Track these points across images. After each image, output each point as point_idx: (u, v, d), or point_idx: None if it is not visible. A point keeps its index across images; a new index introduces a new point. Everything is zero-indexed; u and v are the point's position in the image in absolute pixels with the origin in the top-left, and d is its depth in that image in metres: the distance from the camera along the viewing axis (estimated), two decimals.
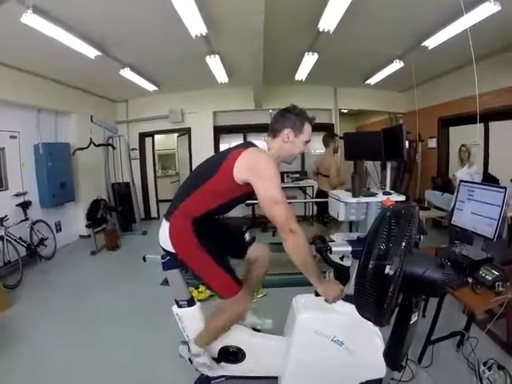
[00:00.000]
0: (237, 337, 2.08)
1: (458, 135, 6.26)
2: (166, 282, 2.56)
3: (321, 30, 3.89)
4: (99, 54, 4.39)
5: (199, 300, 2.13)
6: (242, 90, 7.09)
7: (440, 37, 4.22)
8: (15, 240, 4.52)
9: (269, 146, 1.81)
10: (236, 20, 3.75)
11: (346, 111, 8.99)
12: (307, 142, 1.83)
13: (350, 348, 1.75)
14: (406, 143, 3.89)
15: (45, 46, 3.98)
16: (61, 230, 6.05)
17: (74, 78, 5.80)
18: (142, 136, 8.16)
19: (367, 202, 3.44)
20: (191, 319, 2.03)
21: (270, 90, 6.87)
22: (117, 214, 6.41)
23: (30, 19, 3.24)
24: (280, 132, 1.78)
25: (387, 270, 1.04)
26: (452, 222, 2.45)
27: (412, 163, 7.17)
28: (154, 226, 6.96)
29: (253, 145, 1.76)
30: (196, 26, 3.72)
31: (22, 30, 3.41)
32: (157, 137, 8.64)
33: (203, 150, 7.18)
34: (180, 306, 2.02)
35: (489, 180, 4.93)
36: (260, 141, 1.83)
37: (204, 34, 3.95)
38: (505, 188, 2.01)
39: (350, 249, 1.55)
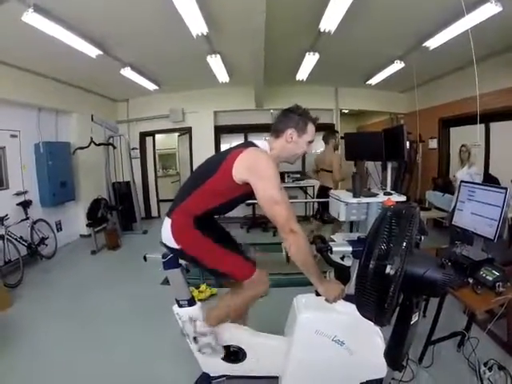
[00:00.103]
0: (238, 336, 2.08)
1: (459, 136, 6.25)
2: (166, 282, 2.56)
3: (322, 30, 3.89)
4: (100, 53, 4.39)
5: (200, 300, 2.13)
6: (243, 90, 7.08)
7: (441, 37, 4.22)
8: (16, 239, 4.53)
9: (271, 145, 1.80)
10: (237, 19, 3.74)
11: (346, 111, 8.99)
12: (310, 142, 1.83)
13: (350, 348, 1.76)
14: (407, 144, 3.89)
15: (45, 44, 3.98)
16: (61, 230, 6.05)
17: (74, 77, 5.80)
18: (143, 135, 8.17)
19: (368, 203, 3.44)
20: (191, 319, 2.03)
21: (270, 90, 6.87)
22: (117, 214, 6.41)
23: (31, 18, 3.25)
24: (283, 132, 1.77)
25: (388, 269, 1.04)
26: (452, 223, 2.45)
27: (413, 164, 7.17)
28: (155, 226, 7.01)
29: (253, 144, 1.76)
30: (197, 25, 3.71)
31: (22, 28, 3.42)
32: (157, 136, 8.64)
33: (204, 150, 7.18)
34: (181, 306, 2.02)
35: (489, 180, 4.92)
36: (261, 141, 1.82)
37: (205, 34, 3.95)
38: (505, 189, 2.01)
39: (350, 249, 1.55)
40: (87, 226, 5.78)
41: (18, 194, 5.05)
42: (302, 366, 1.85)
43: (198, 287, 3.66)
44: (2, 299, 3.58)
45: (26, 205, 4.98)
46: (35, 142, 5.39)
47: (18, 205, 4.90)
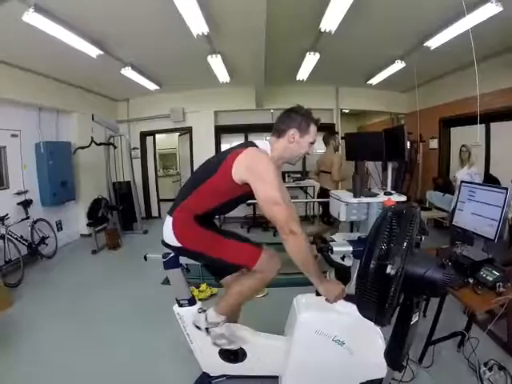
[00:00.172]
0: (238, 337, 2.08)
1: (460, 136, 6.25)
2: (166, 281, 2.56)
3: (322, 30, 3.89)
4: (101, 52, 4.39)
5: (200, 299, 2.13)
6: (244, 90, 7.09)
7: (442, 37, 4.21)
8: (16, 239, 4.54)
9: (272, 146, 1.80)
10: (238, 19, 3.74)
11: (347, 111, 8.98)
12: (312, 143, 1.82)
13: (350, 348, 1.76)
14: (408, 144, 3.89)
15: (46, 44, 3.98)
16: (62, 229, 6.06)
17: (75, 77, 5.81)
18: (144, 135, 8.17)
19: (368, 203, 3.44)
20: (192, 318, 2.04)
21: (271, 90, 6.87)
22: (118, 213, 6.42)
23: (32, 18, 3.25)
24: (285, 132, 1.76)
25: (388, 269, 1.05)
26: (453, 223, 2.46)
27: (413, 164, 7.18)
28: (155, 225, 7.01)
29: (253, 145, 1.76)
30: (198, 25, 3.71)
31: (23, 28, 3.43)
32: (158, 136, 8.64)
33: (204, 150, 7.20)
34: (181, 305, 2.02)
35: (490, 181, 4.92)
36: (261, 141, 1.82)
37: (206, 34, 3.95)
38: (506, 189, 2.02)
39: (350, 249, 1.55)
40: (88, 225, 5.79)
41: (18, 194, 5.05)
42: (302, 365, 1.86)
43: (198, 287, 3.66)
44: (2, 299, 3.58)
45: (26, 204, 4.98)
46: (36, 141, 5.39)
47: (18, 204, 4.91)
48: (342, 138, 5.02)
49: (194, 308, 2.02)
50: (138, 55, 5.01)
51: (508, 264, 2.19)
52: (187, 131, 8.04)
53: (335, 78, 6.97)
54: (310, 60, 5.25)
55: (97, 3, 3.36)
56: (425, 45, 4.51)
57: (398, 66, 5.52)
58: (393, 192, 3.58)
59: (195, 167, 7.15)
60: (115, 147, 6.69)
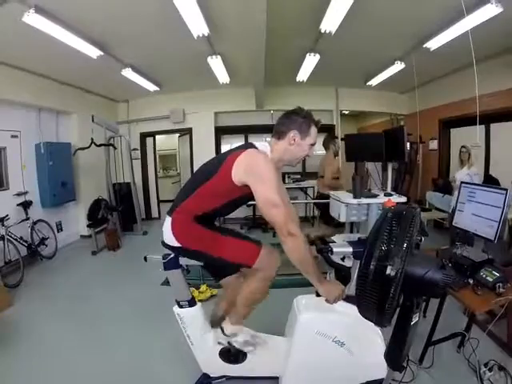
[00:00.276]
0: (238, 337, 2.08)
1: (459, 137, 6.26)
2: (166, 283, 2.56)
3: (322, 30, 3.90)
4: (101, 53, 4.39)
5: (200, 300, 2.13)
6: (244, 91, 7.10)
7: (441, 38, 4.23)
8: (16, 239, 4.53)
9: (272, 147, 1.79)
10: (238, 20, 3.75)
11: (347, 112, 9.00)
12: (313, 144, 1.82)
13: (350, 348, 1.76)
14: (407, 145, 3.90)
15: (46, 45, 3.99)
16: (62, 230, 6.06)
17: (75, 78, 5.81)
18: (143, 136, 8.17)
19: (368, 203, 3.45)
20: (192, 319, 2.04)
21: (271, 91, 6.88)
22: (118, 214, 6.40)
23: (32, 19, 3.26)
24: (286, 134, 1.75)
25: (388, 270, 1.05)
26: (453, 224, 2.46)
27: (413, 165, 7.18)
28: (155, 227, 7.01)
29: (253, 146, 1.75)
30: (198, 26, 3.72)
31: (23, 29, 3.44)
32: (158, 137, 8.64)
33: (204, 151, 7.21)
34: (181, 307, 2.02)
35: (490, 182, 4.93)
36: (261, 142, 1.81)
37: (206, 35, 3.96)
38: (506, 190, 2.02)
39: (350, 250, 1.55)
40: (87, 226, 5.79)
41: (18, 195, 5.04)
42: (302, 366, 1.86)
43: (198, 288, 3.66)
44: (2, 299, 3.58)
45: (26, 205, 4.98)
46: (36, 142, 5.39)
47: (18, 205, 4.90)
48: (341, 139, 5.01)
49: (194, 309, 2.03)
50: (138, 56, 5.02)
51: (508, 265, 2.19)
52: (187, 132, 8.05)
53: (335, 79, 6.98)
54: (310, 61, 5.26)
55: (97, 4, 3.37)
56: (424, 46, 4.52)
57: (398, 67, 5.54)
58: (393, 193, 3.59)
59: (195, 168, 7.16)
60: (115, 148, 6.69)
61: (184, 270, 1.97)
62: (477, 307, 1.86)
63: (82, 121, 6.30)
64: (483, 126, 5.53)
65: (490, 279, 1.89)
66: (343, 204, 3.46)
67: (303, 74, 6.07)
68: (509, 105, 5.00)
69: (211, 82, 6.34)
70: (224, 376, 2.17)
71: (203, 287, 3.68)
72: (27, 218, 4.95)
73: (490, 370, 2.14)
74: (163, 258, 1.91)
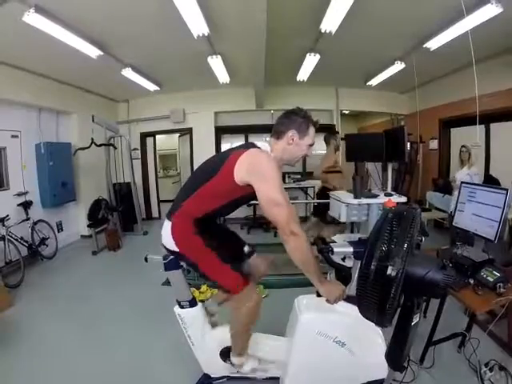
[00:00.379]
0: None
1: (460, 137, 6.26)
2: (167, 283, 2.56)
3: (323, 30, 3.90)
4: (101, 53, 4.39)
5: (201, 301, 2.13)
6: (244, 91, 7.11)
7: (441, 38, 4.23)
8: (16, 240, 4.54)
9: (272, 147, 1.79)
10: (238, 19, 3.75)
11: (347, 112, 8.99)
12: (311, 144, 1.82)
13: (351, 349, 1.76)
14: (408, 145, 3.90)
15: (46, 45, 3.99)
16: (62, 230, 6.06)
17: (75, 78, 5.82)
18: (144, 136, 8.17)
19: (369, 204, 3.45)
20: (193, 320, 2.04)
21: (271, 91, 6.88)
22: (118, 214, 6.40)
23: (32, 18, 3.26)
24: (284, 134, 1.76)
25: (389, 271, 1.05)
26: (453, 224, 2.46)
27: (413, 164, 7.18)
28: (155, 227, 7.01)
29: (254, 146, 1.75)
30: (198, 26, 3.72)
31: (23, 29, 3.44)
32: (158, 137, 8.64)
33: (205, 151, 7.18)
34: (182, 307, 2.02)
35: (490, 181, 4.93)
36: (262, 142, 1.81)
37: (206, 35, 3.96)
38: (506, 190, 2.02)
39: (351, 250, 1.55)
40: (88, 226, 5.79)
41: (18, 195, 5.04)
42: (303, 366, 1.86)
43: (198, 288, 3.66)
44: (2, 300, 3.59)
45: (26, 205, 4.98)
46: (36, 142, 5.39)
47: (18, 205, 4.91)
48: (342, 138, 5.01)
49: (195, 309, 2.03)
50: (138, 56, 5.02)
51: (508, 264, 2.20)
52: (187, 132, 8.05)
53: (335, 78, 6.98)
54: (310, 61, 5.26)
55: (97, 4, 3.37)
56: (424, 46, 4.52)
57: (398, 66, 5.54)
58: (393, 193, 3.59)
59: (195, 168, 7.19)
60: (115, 148, 6.70)
61: (184, 270, 1.97)
62: (477, 307, 1.86)
63: (82, 121, 6.30)
64: (483, 126, 5.53)
65: (491, 279, 1.89)
66: (343, 204, 3.46)
67: (303, 74, 6.07)
68: (508, 105, 5.00)
69: (211, 81, 6.34)
70: (225, 376, 2.17)
71: (204, 287, 3.69)
72: (28, 218, 4.95)
73: (491, 369, 2.15)
74: (164, 259, 1.91)
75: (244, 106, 7.54)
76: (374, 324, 1.19)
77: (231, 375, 2.16)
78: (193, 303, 2.02)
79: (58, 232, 5.87)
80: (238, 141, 7.71)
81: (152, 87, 6.60)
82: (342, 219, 3.54)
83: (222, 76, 6.03)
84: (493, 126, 5.55)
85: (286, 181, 6.99)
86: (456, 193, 3.08)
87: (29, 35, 3.66)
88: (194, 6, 3.25)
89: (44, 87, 5.40)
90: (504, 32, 4.08)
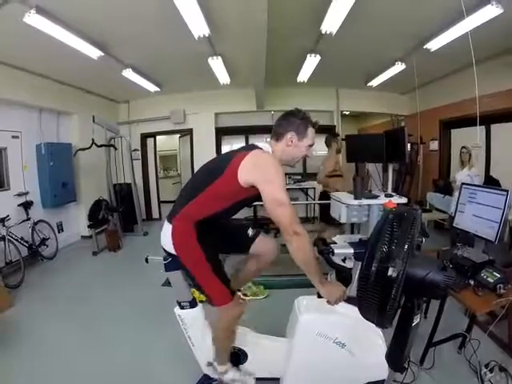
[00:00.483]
0: (239, 338, 2.08)
1: (460, 137, 6.26)
2: (167, 283, 2.56)
3: (323, 31, 3.90)
4: (102, 54, 4.40)
5: (201, 301, 2.13)
6: (244, 92, 7.11)
7: (441, 39, 4.24)
8: (17, 240, 4.54)
9: (272, 148, 1.80)
10: (239, 20, 3.75)
11: (347, 113, 8.99)
12: (310, 145, 1.83)
13: (351, 350, 1.76)
14: (408, 145, 3.90)
15: (47, 46, 4.00)
16: (62, 231, 6.06)
17: (76, 79, 5.83)
18: (144, 137, 8.18)
19: (369, 204, 3.44)
20: (193, 320, 2.04)
21: (271, 92, 6.88)
22: (118, 215, 6.41)
23: (33, 19, 3.27)
24: (283, 136, 1.77)
25: (390, 272, 1.05)
26: (454, 225, 2.46)
27: (414, 165, 7.18)
28: (156, 227, 7.00)
29: (256, 147, 1.75)
30: (199, 27, 3.73)
31: (24, 30, 3.45)
32: (159, 137, 8.64)
33: (205, 151, 7.21)
34: (182, 308, 2.02)
35: (490, 182, 4.93)
36: (263, 143, 1.81)
37: (207, 35, 3.97)
38: (507, 191, 2.02)
39: (352, 251, 1.55)
40: (88, 227, 5.79)
41: (19, 195, 5.05)
42: (303, 367, 1.85)
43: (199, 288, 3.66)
44: (2, 300, 3.59)
45: (27, 206, 4.98)
46: (36, 142, 5.40)
47: (19, 205, 4.91)
48: (342, 139, 5.01)
49: (195, 310, 2.03)
50: (138, 57, 5.03)
51: (508, 265, 2.20)
52: (188, 133, 8.06)
53: (336, 79, 6.99)
54: (311, 62, 5.27)
55: (98, 5, 3.37)
56: (425, 47, 4.53)
57: (398, 67, 5.54)
58: (393, 194, 3.58)
59: (196, 169, 7.19)
60: (116, 149, 6.69)
61: (185, 271, 1.97)
62: (478, 308, 1.86)
63: (82, 121, 6.30)
64: (483, 127, 5.53)
65: (491, 280, 1.89)
66: (344, 205, 3.46)
67: (304, 75, 6.07)
68: (509, 105, 5.00)
69: (212, 82, 6.35)
70: None
71: None
72: (28, 219, 4.96)
73: (491, 371, 2.14)
74: (164, 260, 1.91)
75: (244, 107, 7.55)
76: (374, 325, 1.19)
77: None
78: (193, 304, 2.02)
79: (59, 232, 5.88)
80: (238, 142, 7.74)
81: (152, 88, 6.60)
82: (343, 220, 3.53)
83: (223, 77, 6.03)
84: (493, 126, 5.55)
85: (287, 181, 6.99)
86: (456, 194, 3.08)
87: (29, 36, 3.67)
88: (194, 6, 3.25)
89: (44, 88, 5.41)
90: (504, 33, 4.08)
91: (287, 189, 1.64)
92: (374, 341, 1.77)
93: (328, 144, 4.71)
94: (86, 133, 5.96)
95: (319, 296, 1.65)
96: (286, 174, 6.82)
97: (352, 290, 1.59)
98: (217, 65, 5.29)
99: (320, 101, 7.53)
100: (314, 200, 6.89)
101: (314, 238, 1.72)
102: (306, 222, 7.29)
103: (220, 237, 1.96)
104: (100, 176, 6.52)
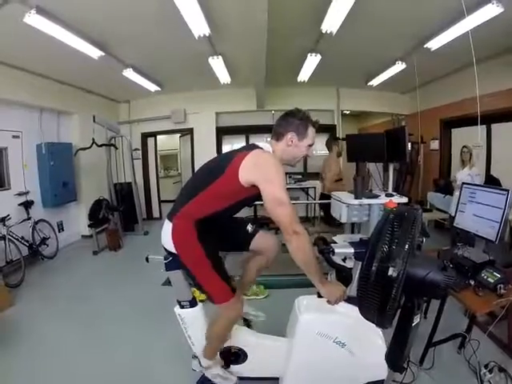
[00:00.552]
0: (238, 338, 2.08)
1: (460, 137, 6.24)
2: (168, 283, 2.56)
3: (324, 31, 3.90)
4: (102, 54, 4.40)
5: (201, 301, 2.13)
6: (245, 91, 7.11)
7: (442, 39, 4.23)
8: (17, 239, 4.55)
9: (273, 148, 1.80)
10: (239, 20, 3.75)
11: (348, 112, 8.99)
12: (311, 145, 1.83)
13: (351, 349, 1.76)
14: (409, 145, 3.89)
15: (47, 46, 3.99)
16: (63, 230, 6.07)
17: (76, 79, 5.82)
18: (145, 136, 8.18)
19: (369, 204, 3.44)
20: (193, 320, 2.04)
21: (272, 91, 6.87)
22: (119, 214, 6.42)
23: (34, 19, 3.27)
24: (283, 136, 1.77)
25: (390, 271, 1.05)
26: (454, 224, 2.46)
27: (414, 165, 7.17)
28: (156, 227, 6.99)
29: (257, 147, 1.75)
30: (199, 26, 3.73)
31: (24, 30, 3.44)
32: (159, 137, 8.64)
33: (206, 151, 7.22)
34: (182, 307, 2.02)
35: (490, 182, 4.93)
36: (264, 143, 1.82)
37: (207, 35, 3.96)
38: (507, 190, 2.02)
39: (352, 250, 1.55)
40: (89, 226, 5.79)
41: (19, 195, 5.05)
42: (302, 367, 1.85)
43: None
44: (3, 299, 3.59)
45: (27, 205, 4.99)
46: (37, 142, 5.40)
47: (19, 205, 4.92)
48: (342, 139, 5.00)
49: (195, 309, 2.03)
50: (139, 56, 5.03)
51: (509, 266, 2.20)
52: (188, 132, 8.06)
53: (336, 79, 6.98)
54: (311, 61, 5.26)
55: (98, 4, 3.37)
56: (425, 46, 4.52)
57: (399, 67, 5.53)
58: (394, 193, 3.58)
59: (196, 168, 7.19)
60: (116, 148, 6.71)
61: (185, 270, 1.97)
62: (478, 308, 1.86)
63: (83, 121, 6.30)
64: (484, 126, 5.51)
65: (491, 280, 1.89)
66: (344, 204, 3.46)
67: (304, 75, 6.06)
68: (510, 105, 4.99)
69: (212, 82, 6.35)
70: None
71: None
72: (28, 218, 4.96)
73: (491, 371, 2.14)
74: (165, 259, 1.91)
75: (245, 107, 7.54)
76: (374, 325, 1.19)
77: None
78: (193, 303, 2.02)
79: (59, 232, 5.88)
80: (238, 141, 7.74)
81: (153, 87, 6.60)
82: (343, 220, 3.53)
83: (223, 76, 6.03)
84: (494, 126, 5.54)
85: (288, 181, 6.99)
86: (457, 193, 3.08)
87: (30, 36, 3.67)
88: (194, 6, 3.25)
89: (45, 88, 5.41)
90: (505, 32, 4.07)
91: (288, 188, 1.64)
92: (373, 341, 1.76)
93: (329, 147, 4.72)
94: (87, 132, 5.96)
95: (319, 296, 1.65)
96: (286, 173, 6.85)
97: (352, 290, 1.59)
98: (217, 64, 5.29)
99: (320, 100, 7.52)
100: (315, 200, 6.89)
101: (314, 238, 1.72)
102: (306, 222, 7.27)
103: (220, 234, 1.96)
104: (100, 175, 6.53)
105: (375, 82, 6.66)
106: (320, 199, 4.99)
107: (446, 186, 5.64)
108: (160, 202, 8.56)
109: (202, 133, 7.78)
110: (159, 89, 6.76)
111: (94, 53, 4.32)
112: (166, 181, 10.35)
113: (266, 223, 6.55)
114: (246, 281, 2.30)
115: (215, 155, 2.18)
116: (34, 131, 5.38)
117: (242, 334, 2.11)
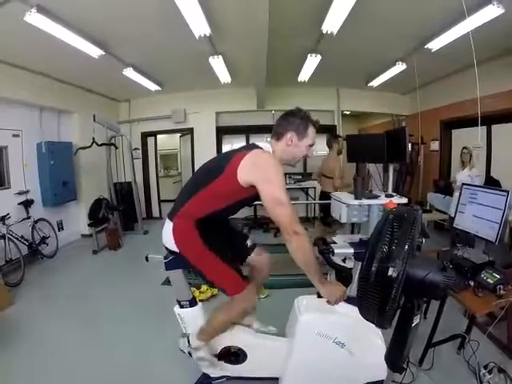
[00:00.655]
0: (238, 337, 2.08)
1: (461, 138, 6.24)
2: (167, 282, 2.56)
3: (324, 31, 3.90)
4: (102, 53, 4.40)
5: (201, 300, 2.14)
6: (245, 91, 7.11)
7: (442, 39, 4.23)
8: (17, 238, 4.54)
9: (273, 148, 1.80)
10: (240, 20, 3.75)
11: (348, 113, 8.98)
12: (311, 145, 1.83)
13: (351, 350, 1.76)
14: (409, 146, 3.89)
15: (48, 45, 4.00)
16: (63, 229, 6.06)
17: (77, 78, 5.82)
18: (145, 136, 8.18)
19: (369, 204, 3.44)
20: (193, 319, 2.04)
21: (272, 91, 6.87)
22: (119, 214, 6.42)
23: (34, 18, 3.27)
24: (283, 135, 1.77)
25: (390, 272, 1.05)
26: (454, 225, 2.46)
27: (414, 166, 7.18)
28: (156, 226, 7.00)
29: (257, 146, 1.75)
30: (200, 26, 3.73)
31: (25, 29, 3.45)
32: (159, 137, 8.64)
33: (206, 151, 7.23)
34: (182, 307, 2.02)
35: (490, 183, 4.93)
36: (263, 142, 1.82)
37: (207, 35, 3.96)
38: (507, 191, 2.02)
39: (352, 251, 1.55)
40: (88, 225, 5.79)
41: (19, 194, 5.05)
42: (302, 367, 1.86)
43: (199, 288, 3.66)
44: (2, 298, 3.59)
45: (27, 204, 4.99)
46: (37, 141, 5.40)
47: (19, 204, 4.91)
48: (343, 139, 5.00)
49: (195, 309, 2.03)
50: (139, 56, 5.03)
51: (508, 266, 2.20)
52: (188, 132, 8.05)
53: (336, 79, 6.98)
54: (312, 62, 5.26)
55: (99, 4, 3.37)
56: (426, 47, 4.52)
57: (399, 67, 5.53)
58: (394, 194, 3.58)
59: (196, 168, 7.19)
60: (116, 148, 6.70)
61: (185, 269, 1.97)
62: (477, 309, 1.86)
63: (83, 120, 6.29)
64: (484, 128, 5.51)
65: (491, 281, 1.89)
66: (344, 205, 3.46)
67: (304, 75, 6.06)
68: (510, 106, 4.99)
69: (213, 81, 6.35)
70: (224, 376, 2.17)
71: (204, 287, 3.68)
72: (28, 217, 4.96)
73: (490, 372, 2.14)
74: (164, 258, 1.91)
75: (245, 107, 7.53)
76: (374, 325, 1.19)
77: (230, 375, 2.16)
78: (193, 303, 2.02)
79: (59, 231, 5.88)
80: (239, 141, 7.73)
81: (153, 87, 6.60)
82: (343, 220, 3.53)
83: (224, 76, 6.03)
84: (494, 127, 5.54)
85: (287, 181, 6.99)
86: (457, 194, 3.08)
87: (30, 35, 3.67)
88: (195, 6, 3.25)
89: (45, 86, 5.40)
90: (505, 33, 4.07)
91: (287, 188, 1.64)
92: (373, 341, 1.77)
93: (329, 145, 4.72)
94: (87, 131, 5.96)
95: (319, 296, 1.65)
96: (286, 173, 6.87)
97: (352, 290, 1.60)
98: (218, 64, 5.29)
99: (321, 100, 7.51)
100: (315, 200, 6.89)
101: (314, 238, 1.72)
102: (305, 222, 7.28)
103: (220, 243, 1.95)
104: (100, 175, 6.52)
105: (375, 82, 6.66)
106: (320, 199, 4.98)
107: (445, 187, 5.64)
108: (160, 201, 8.56)
109: (202, 132, 7.77)
110: (159, 88, 6.76)
111: (95, 52, 4.32)
112: (166, 180, 10.35)
113: (265, 223, 6.58)
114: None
115: (215, 155, 2.18)
116: (34, 130, 5.38)
117: (241, 333, 2.11)
